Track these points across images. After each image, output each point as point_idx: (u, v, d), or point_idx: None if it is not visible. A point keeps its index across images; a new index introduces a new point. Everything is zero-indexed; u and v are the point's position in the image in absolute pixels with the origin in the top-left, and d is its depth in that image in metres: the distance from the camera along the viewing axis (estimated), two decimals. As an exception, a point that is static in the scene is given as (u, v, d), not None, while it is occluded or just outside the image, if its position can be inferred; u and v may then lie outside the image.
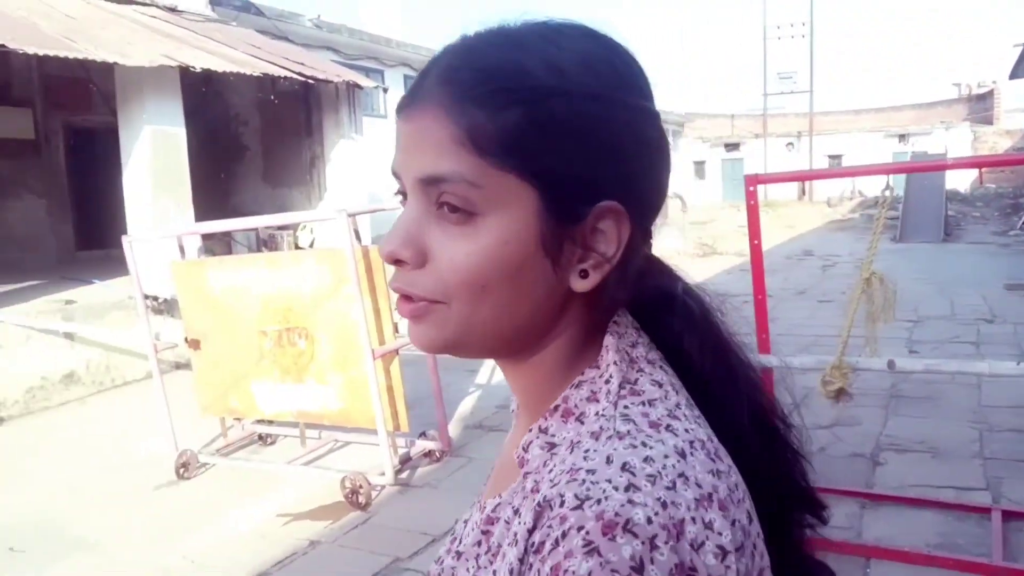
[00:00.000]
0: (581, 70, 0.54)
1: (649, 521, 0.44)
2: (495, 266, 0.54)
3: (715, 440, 0.54)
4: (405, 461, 4.54)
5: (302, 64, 9.33)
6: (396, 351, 4.31)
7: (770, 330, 3.60)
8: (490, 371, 6.36)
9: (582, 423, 0.55)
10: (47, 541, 4.03)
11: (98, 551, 3.89)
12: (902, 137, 32.10)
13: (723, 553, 0.46)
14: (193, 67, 7.56)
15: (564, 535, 0.45)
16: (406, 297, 0.57)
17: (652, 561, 0.43)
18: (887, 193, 3.43)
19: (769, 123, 34.43)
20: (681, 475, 0.47)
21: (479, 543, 0.55)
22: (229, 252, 9.01)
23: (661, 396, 0.54)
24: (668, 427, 0.51)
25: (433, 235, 0.55)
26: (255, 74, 8.41)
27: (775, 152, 33.40)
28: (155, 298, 6.96)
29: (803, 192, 31.32)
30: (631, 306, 0.61)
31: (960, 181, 25.48)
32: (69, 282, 8.12)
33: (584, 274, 0.56)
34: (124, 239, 5.01)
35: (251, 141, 12.35)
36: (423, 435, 4.76)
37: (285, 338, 4.52)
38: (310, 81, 9.21)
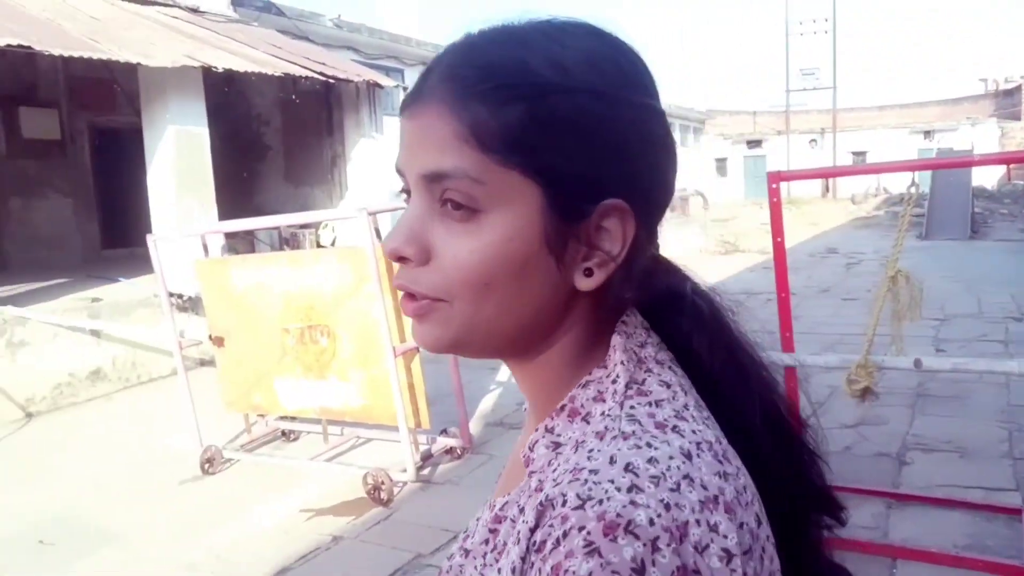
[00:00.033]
0: (585, 67, 0.54)
1: (651, 523, 0.44)
2: (498, 263, 0.54)
3: (724, 442, 0.53)
4: (426, 458, 4.55)
5: (323, 64, 9.39)
6: (417, 348, 4.32)
7: (794, 328, 3.57)
8: (511, 369, 6.33)
9: (588, 423, 0.54)
10: (75, 535, 4.09)
11: (124, 545, 3.94)
12: (927, 133, 31.71)
13: (728, 556, 0.45)
14: (215, 67, 7.63)
15: (565, 535, 0.45)
16: (410, 296, 0.57)
17: (654, 563, 0.43)
18: (912, 190, 3.39)
19: (792, 120, 34.15)
20: (686, 477, 0.47)
21: (487, 541, 0.55)
22: (252, 250, 9.08)
23: (669, 397, 0.54)
24: (675, 428, 0.51)
25: (436, 232, 0.55)
26: (276, 74, 8.47)
27: (798, 149, 33.13)
28: (180, 296, 7.03)
29: (827, 189, 31.04)
30: (640, 306, 0.61)
31: (987, 178, 25.12)
32: (95, 280, 8.23)
33: (589, 273, 0.56)
34: (149, 238, 5.07)
35: (273, 141, 12.45)
36: (444, 432, 4.78)
37: (307, 335, 4.55)
38: (331, 80, 9.26)
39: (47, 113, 10.10)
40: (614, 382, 0.55)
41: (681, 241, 14.76)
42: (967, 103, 35.15)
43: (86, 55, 6.70)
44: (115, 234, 10.78)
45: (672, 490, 0.46)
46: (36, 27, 7.00)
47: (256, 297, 4.71)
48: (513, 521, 0.54)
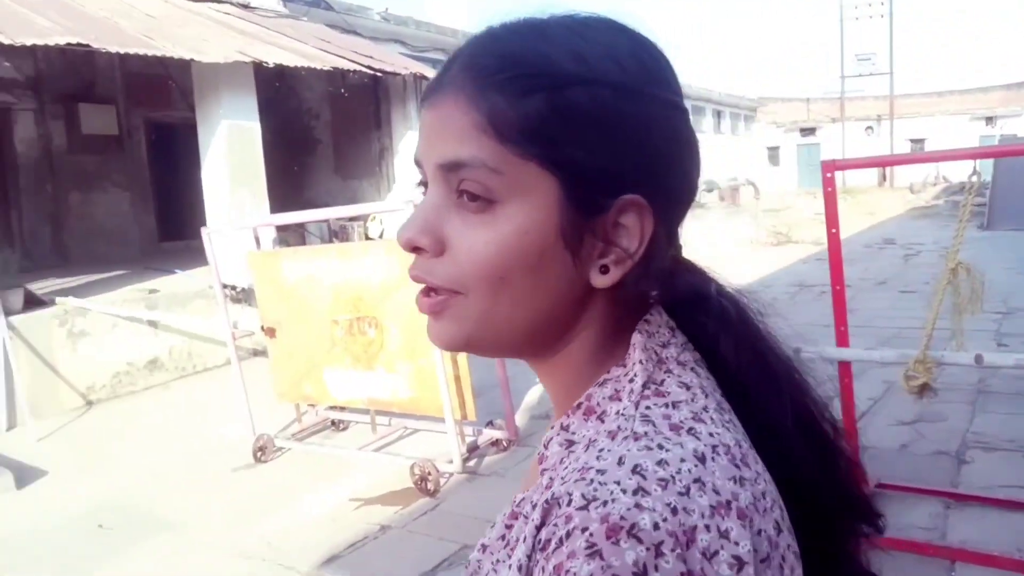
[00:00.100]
0: (606, 61, 0.53)
1: (656, 527, 0.43)
2: (514, 256, 0.53)
3: (745, 445, 0.51)
4: (473, 449, 4.57)
5: (370, 57, 9.46)
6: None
7: (849, 322, 3.48)
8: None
9: (602, 422, 0.54)
10: (132, 520, 4.21)
11: (179, 531, 4.05)
12: (989, 120, 30.63)
13: (739, 564, 0.44)
14: (266, 62, 7.75)
15: (568, 535, 0.44)
16: (425, 293, 0.57)
17: (656, 568, 0.42)
18: (974, 179, 3.28)
19: (847, 107, 33.30)
20: (697, 480, 0.46)
21: (503, 537, 0.54)
22: (303, 243, 9.23)
23: (687, 399, 0.53)
24: (690, 430, 0.50)
25: (452, 224, 0.55)
26: (325, 68, 8.56)
27: (853, 136, 32.31)
28: (233, 287, 7.18)
29: (883, 178, 30.22)
30: (665, 306, 0.60)
31: (1054, 165, 24.12)
32: (152, 272, 8.45)
33: (605, 269, 0.55)
34: (203, 231, 5.18)
35: (323, 134, 12.61)
36: (490, 424, 4.79)
37: (355, 327, 4.60)
38: (378, 74, 9.33)
39: (105, 109, 10.38)
40: (631, 381, 0.54)
41: (731, 232, 14.53)
42: (1033, 87, 33.81)
43: (141, 52, 6.87)
44: (171, 227, 11.05)
45: (681, 494, 0.45)
46: (94, 25, 7.20)
47: (306, 289, 4.78)
48: (526, 518, 0.53)
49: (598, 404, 0.55)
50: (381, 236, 9.94)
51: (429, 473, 4.20)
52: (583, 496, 0.45)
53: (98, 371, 6.54)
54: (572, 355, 0.58)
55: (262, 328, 5.13)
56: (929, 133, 30.89)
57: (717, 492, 0.46)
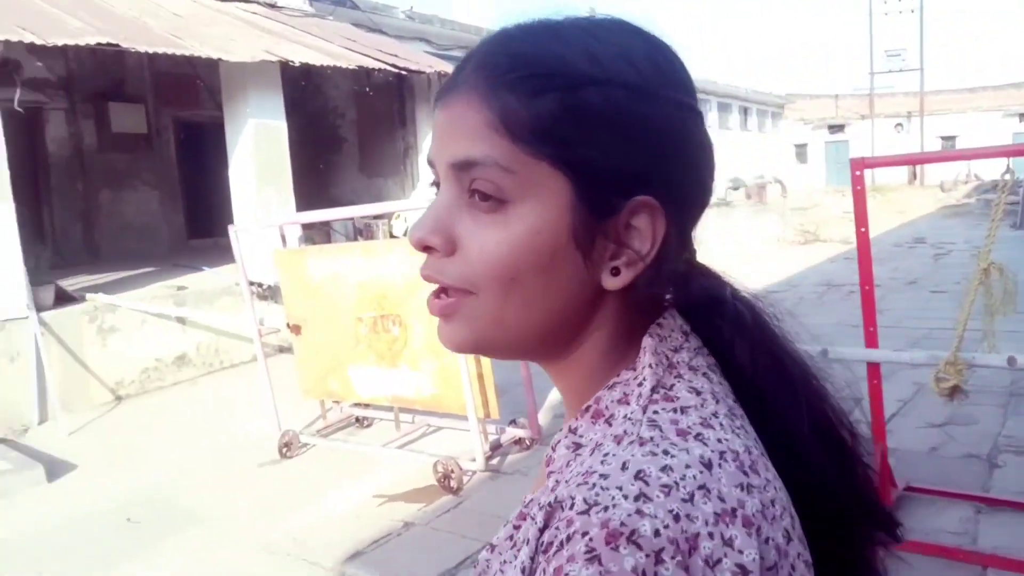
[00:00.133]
0: (620, 62, 0.53)
1: (657, 533, 0.43)
2: (525, 256, 0.53)
3: (755, 452, 0.51)
4: (495, 448, 4.58)
5: (395, 56, 9.49)
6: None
7: (878, 323, 3.43)
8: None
9: (610, 425, 0.53)
10: (160, 514, 4.27)
11: (207, 525, 4.09)
12: (1023, 116, 30.00)
13: (743, 572, 0.44)
14: (292, 61, 7.80)
15: (569, 538, 0.44)
16: (436, 294, 0.57)
17: (656, 575, 0.42)
18: (1007, 177, 3.21)
19: (876, 103, 32.84)
20: (702, 487, 0.46)
21: (511, 537, 0.55)
22: (328, 241, 9.29)
23: (696, 404, 0.52)
24: (698, 436, 0.49)
25: (464, 223, 0.55)
26: (351, 67, 8.61)
27: (883, 134, 31.86)
28: (259, 285, 7.25)
29: (914, 176, 29.77)
30: (680, 310, 0.59)
31: (1091, 162, 23.63)
32: (181, 269, 8.55)
33: (616, 271, 0.55)
34: (230, 229, 5.23)
35: (348, 133, 12.68)
36: (513, 423, 4.79)
37: (380, 324, 4.62)
38: (403, 72, 9.36)
39: (134, 108, 10.51)
40: (640, 385, 0.54)
41: (758, 230, 14.39)
42: (1069, 83, 33.09)
43: (170, 51, 6.95)
44: (199, 224, 11.18)
45: (685, 500, 0.44)
46: (123, 25, 7.30)
47: (332, 287, 4.81)
48: (532, 520, 0.54)
49: (606, 407, 0.55)
50: (405, 234, 9.97)
51: (452, 471, 4.21)
52: (585, 501, 0.45)
53: (127, 367, 6.64)
54: (583, 357, 0.58)
55: (288, 325, 5.17)
56: (961, 130, 30.37)
57: (722, 499, 0.45)
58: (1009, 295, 3.26)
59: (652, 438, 0.49)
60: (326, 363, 5.00)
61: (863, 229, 3.35)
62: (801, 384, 0.59)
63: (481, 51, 0.56)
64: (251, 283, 5.73)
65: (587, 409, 0.56)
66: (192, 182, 11.19)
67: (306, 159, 10.80)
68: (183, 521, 4.16)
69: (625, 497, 0.44)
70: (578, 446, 0.55)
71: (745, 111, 27.41)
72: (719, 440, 0.49)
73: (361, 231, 10.09)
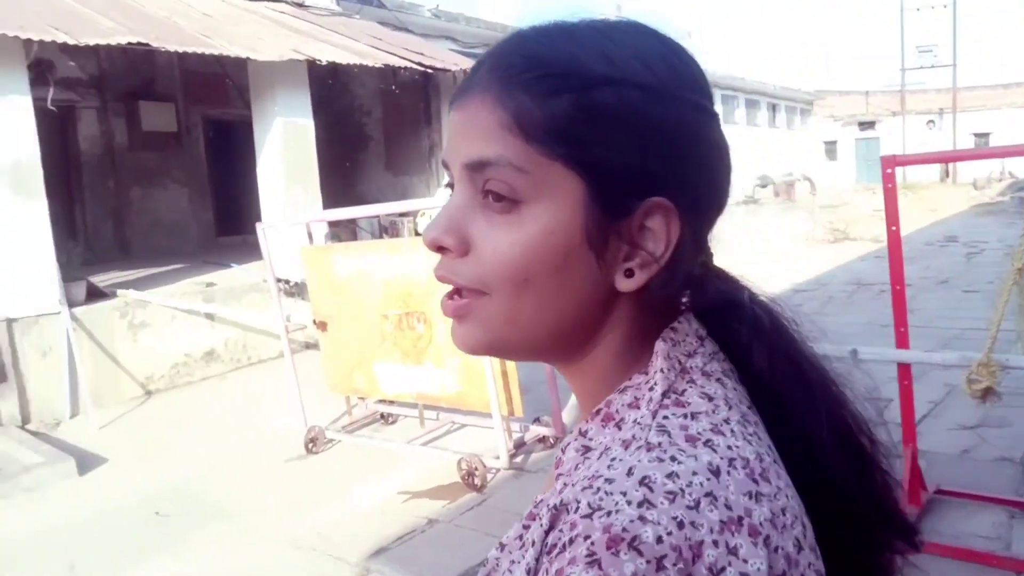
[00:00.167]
0: (635, 63, 0.53)
1: (659, 540, 0.43)
2: (538, 257, 0.53)
3: (767, 460, 0.50)
4: (519, 446, 4.57)
5: (421, 54, 9.51)
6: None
7: (909, 323, 3.37)
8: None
9: (619, 429, 0.53)
10: (188, 508, 4.32)
11: (233, 519, 4.14)
12: (1060, 112, 29.36)
13: None
14: (319, 60, 7.85)
15: (571, 541, 0.45)
16: (450, 296, 0.58)
17: None
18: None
19: (908, 100, 32.31)
20: (708, 494, 0.45)
21: (520, 537, 0.55)
22: (354, 238, 9.34)
23: (708, 410, 0.52)
24: (707, 442, 0.49)
25: (477, 224, 0.55)
26: (377, 65, 8.64)
27: (914, 131, 31.34)
28: (287, 281, 7.31)
29: (946, 173, 29.26)
30: (698, 314, 0.59)
31: None
32: (210, 266, 8.65)
33: (630, 273, 0.55)
34: (258, 226, 5.28)
35: (374, 131, 12.75)
36: (537, 420, 4.79)
37: (404, 322, 4.64)
38: (429, 71, 9.38)
39: (164, 107, 10.65)
40: (651, 389, 0.54)
41: (787, 228, 14.24)
42: (1108, 78, 32.33)
43: (199, 51, 7.03)
44: (228, 222, 11.30)
45: (690, 508, 0.44)
46: (153, 25, 7.39)
47: (357, 284, 4.84)
48: (540, 520, 0.54)
49: (617, 411, 0.55)
50: (430, 232, 10.00)
51: (476, 468, 4.22)
52: (589, 505, 0.45)
53: (157, 362, 6.74)
54: (597, 359, 0.58)
55: (314, 322, 5.21)
56: (994, 127, 29.79)
57: (729, 507, 0.45)
58: (1045, 295, 3.19)
59: (660, 444, 0.49)
60: (352, 360, 5.03)
61: (894, 227, 3.30)
62: (820, 389, 0.59)
63: (496, 53, 0.56)
64: (278, 280, 5.78)
65: (598, 412, 0.56)
66: (221, 180, 11.31)
67: (333, 157, 10.87)
68: (211, 515, 4.21)
69: (629, 503, 0.44)
70: (587, 449, 0.55)
71: (773, 108, 27.12)
72: (729, 447, 0.49)
73: (387, 229, 10.14)
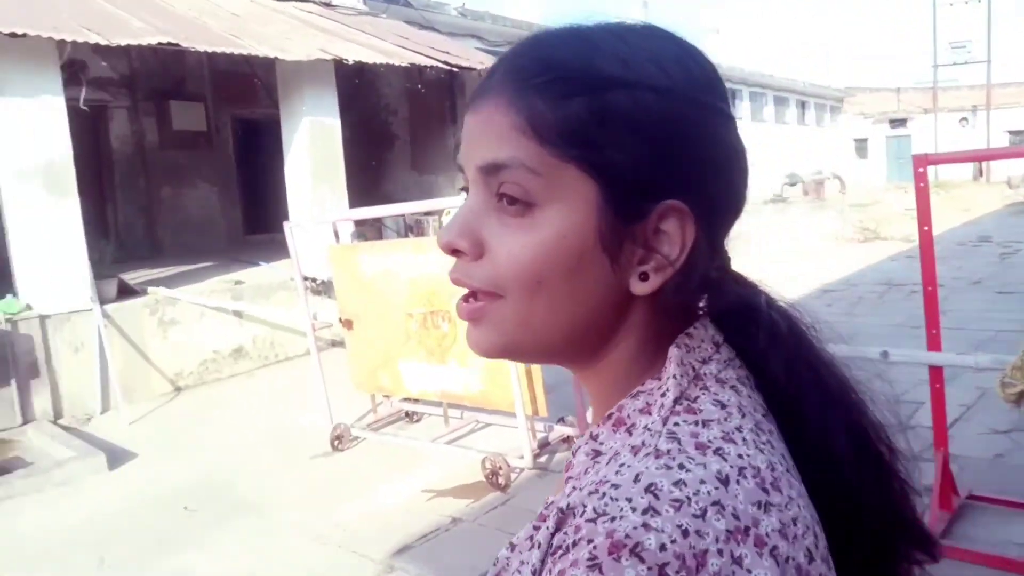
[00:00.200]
0: (650, 66, 0.53)
1: (663, 548, 0.43)
2: (552, 260, 0.53)
3: (779, 469, 0.50)
4: (544, 445, 4.57)
5: (447, 53, 9.53)
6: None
7: (940, 324, 3.31)
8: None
9: (630, 434, 0.53)
10: (216, 502, 4.38)
11: (261, 515, 4.18)
12: (1099, 109, 28.70)
13: None
14: (346, 59, 7.90)
15: (575, 544, 0.45)
16: (465, 299, 0.57)
17: None
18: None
19: (940, 97, 31.76)
20: (716, 503, 0.45)
21: (530, 538, 0.54)
22: (380, 237, 9.38)
23: (720, 417, 0.51)
24: (717, 451, 0.48)
25: (491, 227, 0.55)
26: (403, 64, 8.68)
27: (947, 128, 30.80)
28: (313, 280, 7.37)
29: (980, 172, 28.73)
30: (714, 319, 0.59)
31: None
32: (238, 264, 8.74)
33: (644, 277, 0.54)
34: (286, 225, 5.33)
35: (400, 130, 12.80)
36: (561, 420, 4.77)
37: (429, 321, 4.65)
38: (455, 69, 9.40)
39: (194, 106, 10.78)
40: (663, 395, 0.54)
41: (816, 226, 14.07)
42: None
43: (228, 51, 7.11)
44: (256, 220, 11.41)
45: (696, 516, 0.44)
46: (183, 25, 7.49)
47: (383, 282, 4.86)
48: (547, 522, 0.54)
49: (628, 416, 0.55)
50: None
51: (500, 468, 4.22)
52: (594, 509, 0.45)
53: (186, 358, 6.83)
54: (611, 363, 0.58)
55: (340, 320, 5.24)
56: (1030, 124, 29.18)
57: (736, 517, 0.45)
58: (1082, 297, 3.11)
59: (669, 451, 0.49)
60: (377, 358, 5.05)
61: (926, 227, 3.24)
62: (838, 396, 0.58)
63: (510, 56, 0.56)
64: (305, 278, 5.83)
65: (609, 416, 0.56)
66: (249, 179, 11.43)
67: (359, 156, 10.93)
68: (238, 510, 4.25)
69: (633, 509, 0.44)
70: (597, 453, 0.55)
71: (803, 105, 26.82)
72: (740, 455, 0.48)
73: (412, 228, 10.17)
